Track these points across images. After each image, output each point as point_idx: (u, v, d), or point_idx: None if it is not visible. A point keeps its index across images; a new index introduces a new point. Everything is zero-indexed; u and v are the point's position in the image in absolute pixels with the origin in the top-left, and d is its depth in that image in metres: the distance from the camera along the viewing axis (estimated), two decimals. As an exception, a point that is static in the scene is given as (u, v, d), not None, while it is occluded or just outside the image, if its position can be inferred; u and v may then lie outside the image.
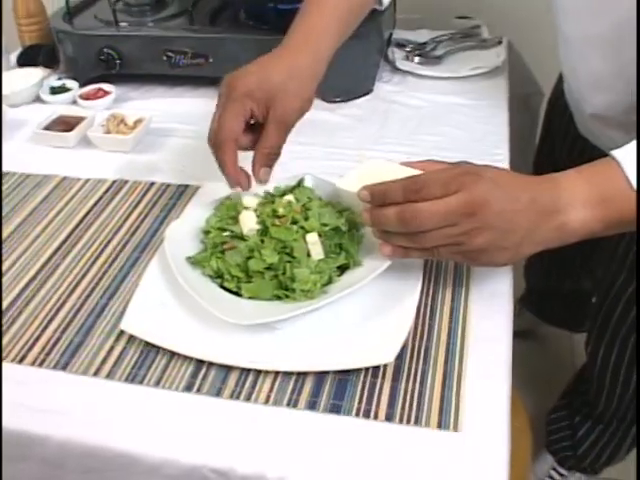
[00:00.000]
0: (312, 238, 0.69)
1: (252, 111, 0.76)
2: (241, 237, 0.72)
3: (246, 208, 0.75)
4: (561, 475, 1.46)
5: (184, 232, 0.77)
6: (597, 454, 1.37)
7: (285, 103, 0.76)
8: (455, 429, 0.60)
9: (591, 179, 0.65)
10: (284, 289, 0.68)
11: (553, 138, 1.26)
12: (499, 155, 0.98)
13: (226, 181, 0.77)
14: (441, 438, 0.59)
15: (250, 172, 0.77)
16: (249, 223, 0.72)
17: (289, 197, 0.74)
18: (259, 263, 0.68)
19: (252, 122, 0.77)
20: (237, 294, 0.70)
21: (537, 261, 1.44)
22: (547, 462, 1.47)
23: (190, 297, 0.69)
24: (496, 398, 0.63)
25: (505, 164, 0.95)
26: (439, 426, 0.60)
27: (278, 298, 0.69)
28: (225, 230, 0.74)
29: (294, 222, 0.71)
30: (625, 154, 0.63)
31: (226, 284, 0.70)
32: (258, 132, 0.77)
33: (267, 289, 0.68)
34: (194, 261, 0.73)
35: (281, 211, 0.72)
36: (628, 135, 0.85)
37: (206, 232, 0.76)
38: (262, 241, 0.70)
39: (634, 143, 0.64)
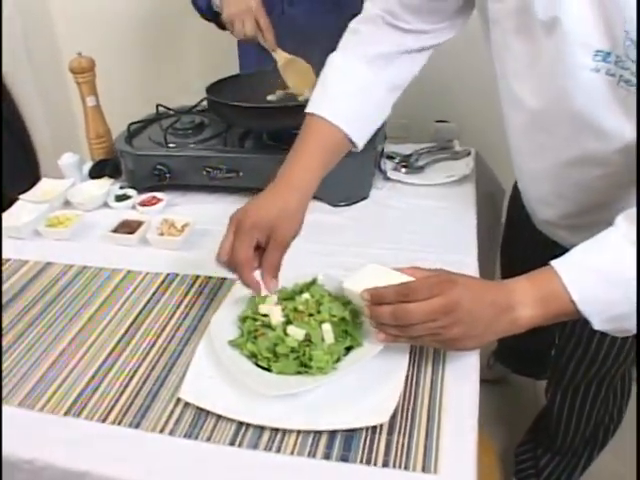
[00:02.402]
0: (326, 327, 0.77)
1: (258, 240, 0.84)
2: (269, 326, 0.80)
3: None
4: (527, 498, 1.51)
5: (225, 320, 0.84)
6: (556, 479, 1.43)
7: (281, 232, 0.84)
8: (435, 472, 0.67)
9: (535, 284, 0.72)
10: (304, 366, 0.76)
11: (514, 229, 1.35)
12: (469, 248, 1.05)
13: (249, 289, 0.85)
14: (424, 479, 0.66)
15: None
16: (276, 316, 0.80)
17: (306, 295, 0.82)
18: (285, 348, 0.76)
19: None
20: (267, 369, 0.76)
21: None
22: (515, 488, 1.52)
23: (232, 372, 0.77)
24: (466, 448, 0.69)
25: (473, 254, 1.03)
26: (423, 469, 0.67)
27: (299, 373, 0.75)
28: (257, 320, 0.81)
29: (310, 315, 0.79)
30: (561, 264, 0.71)
31: (259, 362, 0.77)
32: (261, 251, 0.85)
33: (291, 367, 0.75)
34: (234, 344, 0.80)
35: (300, 307, 0.80)
36: (571, 234, 0.95)
37: (242, 321, 0.83)
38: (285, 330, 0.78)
39: (570, 253, 0.72)
